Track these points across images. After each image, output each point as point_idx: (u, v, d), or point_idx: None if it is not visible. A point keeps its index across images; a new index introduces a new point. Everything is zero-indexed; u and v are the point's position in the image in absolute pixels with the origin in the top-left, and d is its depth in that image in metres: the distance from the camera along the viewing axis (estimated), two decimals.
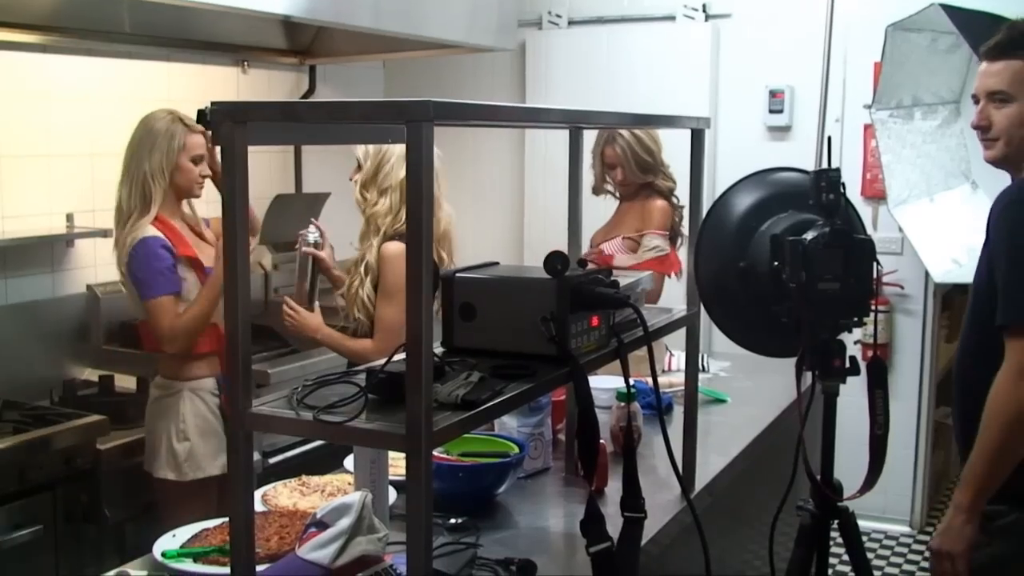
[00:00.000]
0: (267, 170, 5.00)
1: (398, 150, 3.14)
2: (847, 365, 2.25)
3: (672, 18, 5.37)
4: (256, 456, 3.78)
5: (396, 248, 3.12)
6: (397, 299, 3.12)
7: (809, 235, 2.17)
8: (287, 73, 5.11)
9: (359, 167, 3.23)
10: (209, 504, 3.23)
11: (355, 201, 3.25)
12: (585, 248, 3.98)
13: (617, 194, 4.09)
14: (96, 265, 4.05)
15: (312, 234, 3.37)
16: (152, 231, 3.21)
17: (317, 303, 3.35)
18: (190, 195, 3.35)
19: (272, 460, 3.90)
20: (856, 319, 2.22)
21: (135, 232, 3.21)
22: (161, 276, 3.17)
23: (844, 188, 2.21)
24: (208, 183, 3.33)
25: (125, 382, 3.84)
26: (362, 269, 3.20)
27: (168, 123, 3.26)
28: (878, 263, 2.22)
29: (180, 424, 3.27)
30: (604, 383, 3.11)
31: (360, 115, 1.55)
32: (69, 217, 4.00)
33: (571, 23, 5.61)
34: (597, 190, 4.08)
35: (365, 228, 3.22)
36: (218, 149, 1.57)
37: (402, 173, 3.13)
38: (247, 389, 1.59)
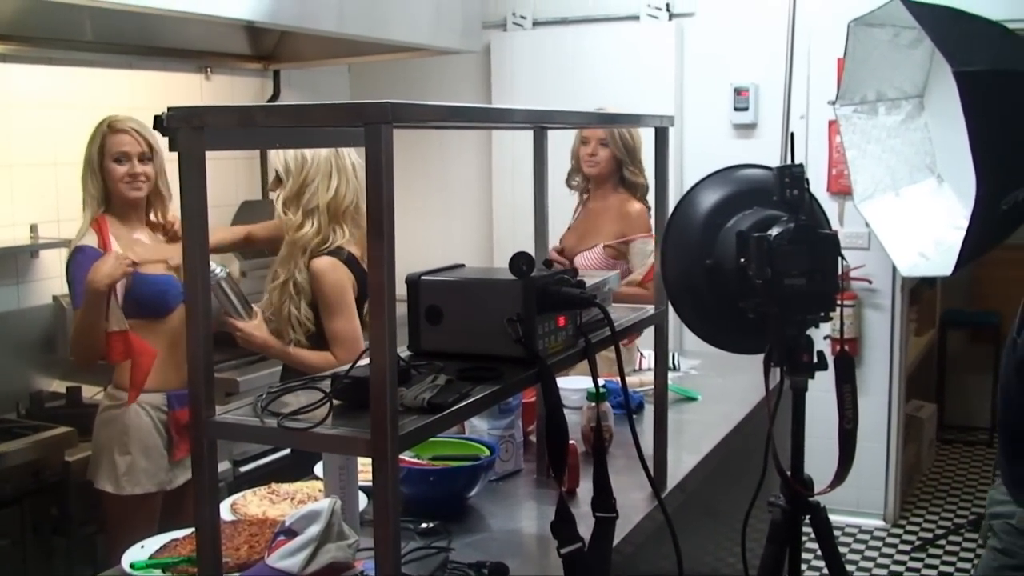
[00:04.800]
0: (233, 177, 4.98)
1: (323, 168, 3.09)
2: (815, 360, 2.25)
3: (636, 18, 5.37)
4: (227, 465, 3.78)
5: (326, 263, 3.10)
6: (342, 311, 3.10)
7: (774, 231, 2.17)
8: (251, 79, 5.08)
9: (279, 180, 3.15)
10: (151, 519, 3.20)
11: (276, 218, 3.19)
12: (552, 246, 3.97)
13: (584, 185, 4.06)
14: (62, 276, 3.98)
15: (220, 269, 3.19)
16: (89, 240, 3.20)
17: (257, 310, 3.25)
18: (125, 197, 3.27)
19: (243, 469, 3.89)
20: (823, 314, 2.22)
21: (76, 240, 3.22)
22: (83, 286, 3.13)
23: (808, 183, 2.21)
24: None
25: (93, 393, 3.80)
26: (292, 289, 3.11)
27: (96, 130, 3.25)
28: (843, 258, 2.22)
29: (123, 437, 3.23)
30: (574, 384, 3.11)
31: (317, 119, 1.54)
32: (33, 228, 3.97)
33: (535, 24, 5.61)
34: (569, 180, 4.07)
35: (287, 252, 3.14)
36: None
37: (328, 195, 3.07)
38: (209, 397, 1.57)
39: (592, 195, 4.06)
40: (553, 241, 3.81)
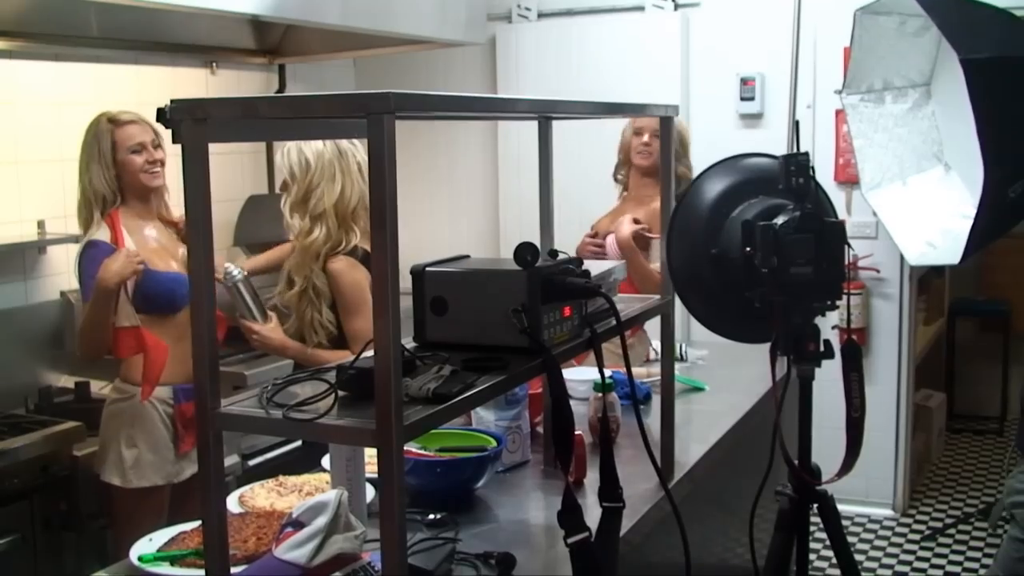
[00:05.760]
0: (240, 171, 4.98)
1: (327, 172, 3.07)
2: (821, 349, 2.25)
3: (641, 8, 5.36)
4: (235, 459, 3.78)
5: (343, 263, 3.09)
6: (362, 310, 3.08)
7: (780, 220, 2.16)
8: (257, 73, 5.08)
9: (285, 183, 3.14)
10: (158, 512, 3.21)
11: (285, 224, 3.17)
12: (584, 231, 3.98)
13: (628, 179, 4.05)
14: (69, 271, 3.99)
15: (237, 271, 3.22)
16: (102, 235, 3.21)
17: (272, 314, 3.24)
18: (145, 187, 3.29)
19: (251, 462, 3.89)
20: (829, 303, 2.22)
21: (88, 235, 3.23)
22: (92, 281, 3.14)
23: (813, 172, 2.20)
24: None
25: (101, 388, 3.81)
26: (311, 294, 3.10)
27: (96, 128, 3.25)
28: (849, 246, 2.22)
29: (130, 430, 3.25)
30: (582, 374, 3.11)
31: (320, 109, 1.53)
32: (40, 224, 3.97)
33: (540, 16, 5.60)
34: (616, 174, 4.07)
35: (300, 258, 3.12)
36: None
37: (334, 197, 3.05)
38: (215, 389, 1.57)
39: (638, 183, 4.02)
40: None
